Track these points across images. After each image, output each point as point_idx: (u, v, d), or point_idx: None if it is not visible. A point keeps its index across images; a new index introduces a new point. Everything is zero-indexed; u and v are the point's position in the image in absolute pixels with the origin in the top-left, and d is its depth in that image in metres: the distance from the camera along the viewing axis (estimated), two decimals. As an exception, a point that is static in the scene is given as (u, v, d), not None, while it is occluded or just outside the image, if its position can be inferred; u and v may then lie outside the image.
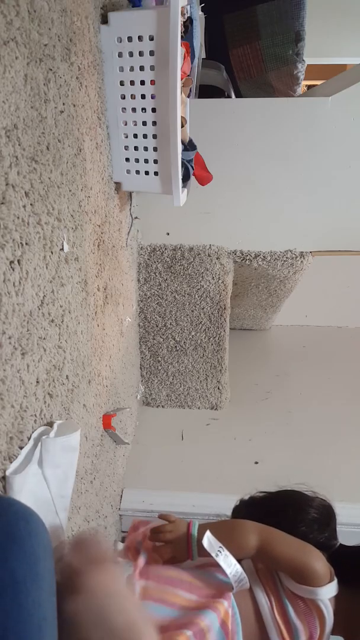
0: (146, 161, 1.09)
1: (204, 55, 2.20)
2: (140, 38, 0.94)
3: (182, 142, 1.10)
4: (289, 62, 2.06)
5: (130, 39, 0.95)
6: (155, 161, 1.08)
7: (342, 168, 1.47)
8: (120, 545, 1.38)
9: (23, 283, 0.64)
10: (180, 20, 0.89)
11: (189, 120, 1.18)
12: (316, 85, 2.05)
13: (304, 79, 2.16)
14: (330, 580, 0.70)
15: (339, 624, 0.70)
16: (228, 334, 1.74)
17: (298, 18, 1.97)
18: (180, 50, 0.93)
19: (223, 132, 1.43)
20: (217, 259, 1.59)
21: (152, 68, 0.96)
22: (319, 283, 2.07)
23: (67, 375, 0.85)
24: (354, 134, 1.42)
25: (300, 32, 2.00)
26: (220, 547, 0.69)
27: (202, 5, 2.02)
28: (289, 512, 0.83)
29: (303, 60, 2.08)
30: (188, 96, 1.15)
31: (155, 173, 1.10)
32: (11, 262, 0.61)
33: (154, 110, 1.01)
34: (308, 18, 2.00)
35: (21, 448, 0.66)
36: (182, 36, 0.94)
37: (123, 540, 1.42)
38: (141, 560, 0.72)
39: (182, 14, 0.94)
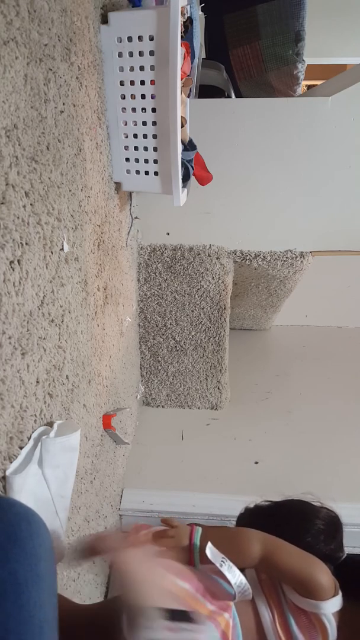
0: (146, 161, 1.09)
1: (204, 55, 2.20)
2: (140, 38, 0.94)
3: (182, 142, 1.10)
4: (289, 62, 2.06)
5: (130, 39, 0.95)
6: (155, 161, 1.08)
7: (342, 168, 1.47)
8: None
9: (23, 283, 0.64)
10: (180, 20, 0.89)
11: (189, 120, 1.18)
12: (316, 85, 2.05)
13: (304, 79, 2.16)
14: (335, 594, 0.69)
15: (344, 638, 0.68)
16: (228, 334, 1.74)
17: (298, 18, 1.97)
18: (180, 50, 0.93)
19: (223, 132, 1.43)
20: (217, 259, 1.59)
21: (152, 68, 0.96)
22: (319, 283, 2.07)
23: (67, 375, 0.85)
24: (354, 134, 1.42)
25: (300, 32, 2.00)
26: (223, 558, 0.68)
27: (202, 5, 2.02)
28: (294, 521, 0.82)
29: (303, 60, 2.08)
30: (188, 96, 1.15)
31: (155, 173, 1.10)
32: (11, 262, 0.61)
33: (154, 110, 1.01)
34: (308, 18, 2.00)
35: (21, 448, 0.66)
36: (182, 36, 0.94)
37: (123, 540, 1.42)
38: None
39: (182, 14, 0.94)
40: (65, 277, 0.82)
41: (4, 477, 0.62)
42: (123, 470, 1.49)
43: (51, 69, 0.71)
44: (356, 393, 1.92)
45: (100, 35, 0.95)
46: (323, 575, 0.68)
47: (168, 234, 1.59)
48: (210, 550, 0.68)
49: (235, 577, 0.67)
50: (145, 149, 1.07)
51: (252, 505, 0.95)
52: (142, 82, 0.98)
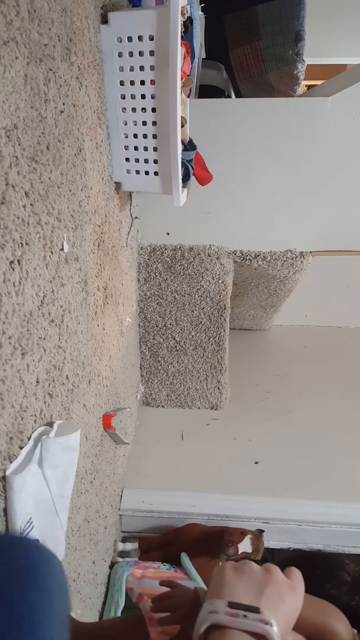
0: (146, 161, 1.09)
1: (204, 55, 2.20)
2: (140, 38, 0.94)
3: (182, 142, 1.10)
4: (289, 62, 2.06)
5: (130, 39, 0.95)
6: (155, 161, 1.08)
7: (342, 168, 1.47)
8: (120, 546, 1.39)
9: (23, 283, 0.64)
10: (180, 20, 0.89)
11: (189, 120, 1.18)
12: (316, 85, 2.05)
13: (304, 79, 2.16)
14: None
15: None
16: (228, 334, 1.74)
17: (298, 18, 1.97)
18: (180, 50, 0.93)
19: (223, 132, 1.43)
20: (217, 259, 1.59)
21: (152, 68, 0.96)
22: (319, 283, 2.07)
23: (67, 375, 0.85)
24: (354, 134, 1.42)
25: (300, 32, 2.00)
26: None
27: (202, 5, 2.02)
28: (317, 570, 0.78)
29: (303, 60, 2.07)
30: (188, 96, 1.15)
31: (155, 173, 1.10)
32: (11, 262, 0.61)
33: (154, 110, 1.01)
34: (308, 18, 2.00)
35: (21, 448, 0.66)
36: (182, 36, 0.94)
37: (123, 540, 1.42)
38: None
39: (182, 14, 0.94)
40: (65, 277, 0.82)
41: (4, 477, 0.62)
42: (123, 470, 1.49)
43: (51, 69, 0.71)
44: (356, 393, 1.92)
45: (100, 35, 0.95)
46: (340, 624, 0.64)
47: (168, 234, 1.59)
48: None
49: None
50: (145, 149, 1.07)
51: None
52: (142, 82, 0.98)
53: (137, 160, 1.10)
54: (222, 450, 1.63)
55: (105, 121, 1.04)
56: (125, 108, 1.04)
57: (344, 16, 3.09)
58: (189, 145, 1.16)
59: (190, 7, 1.14)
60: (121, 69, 0.99)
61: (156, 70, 0.96)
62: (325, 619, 0.64)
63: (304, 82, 2.32)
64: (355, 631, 0.67)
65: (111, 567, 1.31)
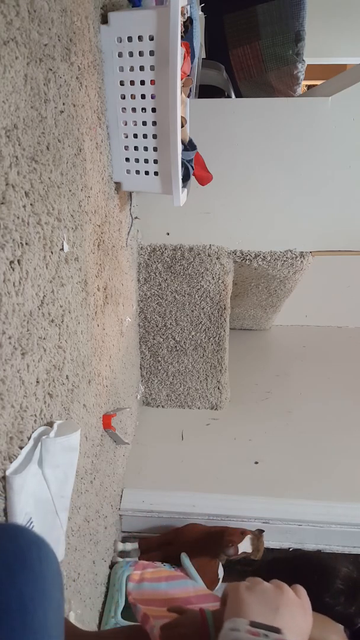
0: (146, 161, 1.09)
1: (204, 55, 2.20)
2: (140, 38, 0.94)
3: (182, 142, 1.09)
4: (289, 62, 2.06)
5: (130, 39, 0.95)
6: (155, 161, 1.08)
7: (342, 168, 1.47)
8: (120, 545, 1.39)
9: (23, 283, 0.64)
10: (180, 20, 0.89)
11: (189, 120, 1.18)
12: (316, 85, 2.04)
13: (304, 79, 2.16)
14: None
15: None
16: (228, 334, 1.74)
17: (298, 18, 1.97)
18: (180, 50, 0.93)
19: (223, 132, 1.43)
20: (217, 259, 1.59)
21: (152, 68, 0.96)
22: (319, 283, 2.07)
23: (67, 375, 0.85)
24: (354, 134, 1.42)
25: (300, 32, 2.00)
26: None
27: (202, 5, 2.02)
28: (312, 579, 0.78)
29: (303, 60, 2.07)
30: (188, 96, 1.15)
31: (155, 173, 1.10)
32: (11, 262, 0.61)
33: (154, 110, 1.01)
34: (308, 18, 2.00)
35: (21, 448, 0.66)
36: (182, 36, 0.94)
37: (123, 540, 1.42)
38: None
39: (182, 14, 0.94)
40: (65, 277, 0.82)
41: (4, 477, 0.62)
42: (123, 470, 1.49)
43: (51, 69, 0.71)
44: (356, 393, 1.92)
45: (100, 35, 0.95)
46: (336, 636, 0.67)
47: (168, 234, 1.59)
48: None
49: None
50: (145, 149, 1.07)
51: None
52: (142, 82, 0.98)
53: (137, 160, 1.10)
54: (222, 450, 1.63)
55: (105, 121, 1.04)
56: (125, 108, 1.04)
57: (344, 16, 3.09)
58: (189, 145, 1.16)
59: (190, 7, 1.14)
60: (121, 69, 0.99)
61: (156, 70, 0.96)
62: (322, 635, 0.67)
63: (304, 82, 2.32)
64: None
65: (111, 567, 1.31)
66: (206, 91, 1.95)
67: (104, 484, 1.22)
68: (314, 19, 2.15)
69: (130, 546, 1.39)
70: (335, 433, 1.71)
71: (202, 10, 2.04)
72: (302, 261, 1.63)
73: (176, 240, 1.60)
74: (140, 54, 0.96)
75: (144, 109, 1.02)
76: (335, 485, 1.48)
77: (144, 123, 1.04)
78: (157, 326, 1.71)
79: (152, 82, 0.97)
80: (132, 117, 1.04)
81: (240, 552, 1.23)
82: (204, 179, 1.30)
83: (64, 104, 0.77)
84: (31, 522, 0.68)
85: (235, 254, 1.62)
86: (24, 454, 0.66)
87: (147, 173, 1.11)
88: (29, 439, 0.69)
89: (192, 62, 1.24)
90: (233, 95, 2.14)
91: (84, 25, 0.85)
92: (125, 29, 0.94)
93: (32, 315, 0.68)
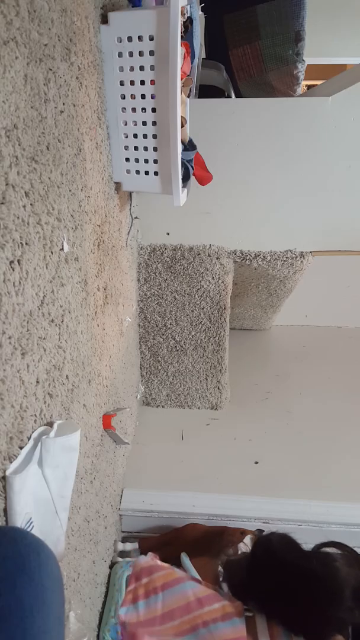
0: (146, 161, 1.09)
1: (204, 55, 2.20)
2: (140, 38, 0.94)
3: (182, 142, 1.10)
4: (289, 62, 2.06)
5: (130, 39, 0.95)
6: (155, 161, 1.08)
7: (342, 168, 1.47)
8: (120, 545, 1.39)
9: (23, 283, 0.64)
10: (180, 20, 0.89)
11: (189, 120, 1.18)
12: (316, 85, 2.05)
13: (304, 79, 2.16)
14: None
15: None
16: (228, 334, 1.74)
17: (298, 18, 1.97)
18: (180, 50, 0.93)
19: (223, 132, 1.43)
20: (217, 259, 1.59)
21: (152, 68, 0.96)
22: (319, 283, 2.07)
23: (67, 375, 0.85)
24: (354, 134, 1.42)
25: (300, 32, 2.00)
26: None
27: (202, 5, 2.02)
28: (320, 596, 0.76)
29: (303, 60, 2.07)
30: (188, 96, 1.15)
31: (155, 173, 1.10)
32: (11, 262, 0.61)
33: (154, 110, 1.01)
34: (308, 18, 2.00)
35: (21, 448, 0.66)
36: (182, 36, 0.94)
37: (123, 540, 1.42)
38: None
39: (182, 14, 0.94)
40: (65, 277, 0.82)
41: (4, 477, 0.62)
42: (123, 470, 1.49)
43: (51, 69, 0.71)
44: (356, 393, 1.92)
45: (100, 35, 0.95)
46: None
47: (168, 234, 1.59)
48: None
49: None
50: (145, 149, 1.07)
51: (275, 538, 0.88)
52: (142, 82, 0.98)
53: (137, 160, 1.10)
54: (222, 450, 1.63)
55: (105, 121, 1.04)
56: (125, 108, 1.04)
57: (344, 16, 3.09)
58: (189, 145, 1.16)
59: (190, 7, 1.14)
60: (121, 69, 0.99)
61: (156, 70, 0.96)
62: None
63: (304, 82, 2.32)
64: None
65: (111, 567, 1.31)
66: (206, 91, 1.96)
67: (104, 484, 1.22)
68: (314, 19, 2.15)
69: (130, 546, 1.39)
70: (335, 433, 1.71)
71: (202, 10, 2.04)
72: (302, 261, 1.63)
73: (176, 240, 1.60)
74: (140, 54, 0.96)
75: (144, 109, 1.02)
76: (335, 485, 1.48)
77: (144, 123, 1.04)
78: (157, 326, 1.71)
79: (152, 82, 0.97)
80: (132, 117, 1.04)
81: (240, 552, 1.23)
82: (204, 179, 1.30)
83: (64, 104, 0.77)
84: (31, 522, 0.68)
85: (235, 254, 1.62)
86: (24, 454, 0.66)
87: (147, 173, 1.11)
88: (29, 439, 0.69)
89: (192, 62, 1.24)
90: (233, 95, 2.14)
91: (84, 25, 0.85)
92: (125, 29, 0.94)
93: (32, 315, 0.68)
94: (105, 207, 1.09)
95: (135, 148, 1.08)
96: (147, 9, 0.97)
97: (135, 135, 1.06)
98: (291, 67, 2.07)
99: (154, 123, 1.03)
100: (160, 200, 1.51)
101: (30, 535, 0.42)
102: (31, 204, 0.66)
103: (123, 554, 1.38)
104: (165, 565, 1.24)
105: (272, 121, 1.42)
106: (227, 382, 1.82)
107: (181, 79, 0.96)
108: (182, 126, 1.07)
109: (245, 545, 1.24)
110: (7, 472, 0.62)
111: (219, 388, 1.81)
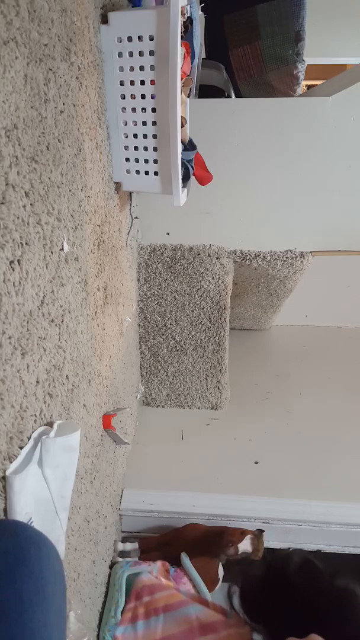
0: (146, 161, 1.09)
1: (204, 55, 2.20)
2: (140, 38, 0.94)
3: (182, 142, 1.09)
4: (289, 62, 2.06)
5: (130, 39, 0.95)
6: (155, 161, 1.08)
7: (342, 168, 1.47)
8: (120, 545, 1.39)
9: (23, 283, 0.64)
10: (180, 20, 0.89)
11: (189, 120, 1.18)
12: (316, 85, 2.05)
13: (304, 79, 2.16)
14: None
15: None
16: (228, 334, 1.74)
17: (298, 18, 1.97)
18: (180, 50, 0.93)
19: (223, 132, 1.43)
20: (217, 259, 1.59)
21: (152, 68, 0.96)
22: (319, 283, 2.07)
23: (67, 375, 0.85)
24: (354, 134, 1.42)
25: (300, 32, 2.00)
26: None
27: (202, 5, 2.02)
28: (334, 613, 0.75)
29: (303, 60, 2.08)
30: (188, 96, 1.15)
31: (155, 173, 1.10)
32: (11, 262, 0.61)
33: (154, 110, 1.01)
34: (308, 18, 2.00)
35: (21, 448, 0.66)
36: (182, 36, 0.94)
37: (123, 540, 1.42)
38: None
39: (182, 14, 0.94)
40: (65, 277, 0.82)
41: (4, 477, 0.62)
42: (123, 470, 1.49)
43: (51, 69, 0.71)
44: (356, 393, 1.92)
45: (100, 35, 0.95)
46: None
47: (168, 234, 1.59)
48: None
49: None
50: (145, 149, 1.07)
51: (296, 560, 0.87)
52: (142, 82, 0.98)
53: (137, 160, 1.10)
54: (222, 450, 1.63)
55: (105, 121, 1.04)
56: (125, 108, 1.04)
57: (344, 16, 3.09)
58: (189, 145, 1.16)
59: (190, 7, 1.14)
60: (121, 69, 0.99)
61: (156, 70, 0.96)
62: None
63: (304, 82, 2.32)
64: None
65: (111, 567, 1.31)
66: (206, 91, 1.96)
67: (104, 484, 1.22)
68: (314, 19, 2.15)
69: (130, 546, 1.39)
70: (335, 433, 1.71)
71: (202, 10, 2.04)
72: (302, 261, 1.63)
73: (176, 240, 1.60)
74: (140, 54, 0.96)
75: (144, 109, 1.02)
76: (335, 485, 1.48)
77: (144, 123, 1.04)
78: (157, 326, 1.71)
79: (152, 82, 0.97)
80: (132, 117, 1.04)
81: (240, 552, 1.23)
82: (204, 179, 1.30)
83: (64, 104, 0.77)
84: (31, 522, 0.68)
85: (235, 254, 1.62)
86: (24, 454, 0.66)
87: (147, 173, 1.11)
88: (29, 439, 0.69)
89: (192, 62, 1.24)
90: (233, 95, 2.14)
91: (84, 25, 0.85)
92: (125, 29, 0.94)
93: (32, 315, 0.68)
94: (105, 207, 1.09)
95: (135, 148, 1.08)
96: (147, 9, 0.97)
97: (135, 135, 1.06)
98: (291, 67, 2.07)
99: (154, 123, 1.03)
100: (160, 200, 1.51)
101: (31, 528, 0.42)
102: (31, 204, 0.66)
103: (123, 554, 1.38)
104: (170, 584, 1.19)
105: (272, 121, 1.41)
106: (227, 382, 1.82)
107: (181, 79, 0.96)
108: (182, 126, 1.07)
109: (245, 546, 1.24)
110: (7, 472, 0.63)
111: (219, 388, 1.81)
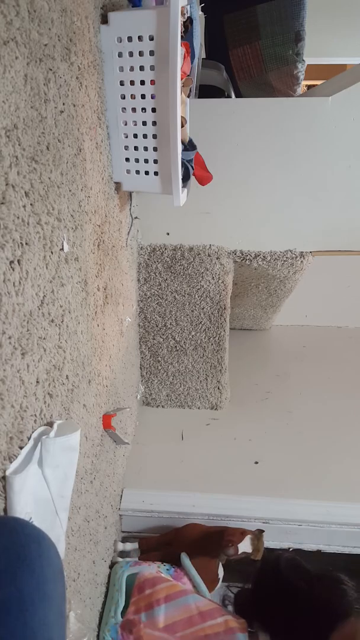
0: (146, 161, 1.09)
1: (204, 55, 2.20)
2: (140, 38, 0.94)
3: (182, 142, 1.09)
4: (289, 62, 2.06)
5: (130, 39, 0.95)
6: (155, 161, 1.08)
7: (342, 168, 1.47)
8: (120, 545, 1.39)
9: (23, 283, 0.64)
10: (180, 20, 0.89)
11: (189, 120, 1.18)
12: (316, 85, 2.04)
13: (304, 79, 2.16)
14: None
15: None
16: (228, 334, 1.74)
17: (298, 18, 1.97)
18: (180, 50, 0.93)
19: (223, 132, 1.43)
20: (217, 259, 1.59)
21: (152, 68, 0.96)
22: (319, 283, 2.07)
23: (67, 375, 0.85)
24: (354, 134, 1.42)
25: (301, 32, 2.00)
26: None
27: (202, 5, 2.02)
28: (324, 617, 0.76)
29: (303, 60, 2.08)
30: (188, 96, 1.15)
31: (155, 173, 1.10)
32: (11, 262, 0.61)
33: (154, 110, 1.01)
34: (308, 18, 2.00)
35: (21, 448, 0.66)
36: (182, 36, 0.94)
37: (123, 540, 1.42)
38: None
39: (182, 14, 0.94)
40: (65, 277, 0.82)
41: (4, 477, 0.62)
42: (123, 470, 1.49)
43: (51, 69, 0.71)
44: (356, 393, 1.92)
45: (100, 35, 0.95)
46: None
47: (168, 234, 1.59)
48: None
49: None
50: (145, 149, 1.07)
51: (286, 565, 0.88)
52: (142, 82, 0.98)
53: (137, 160, 1.10)
54: (222, 450, 1.63)
55: (105, 121, 1.04)
56: (125, 108, 1.04)
57: (344, 16, 3.09)
58: (189, 145, 1.16)
59: (190, 7, 1.14)
60: (121, 69, 0.99)
61: (156, 70, 0.96)
62: None
63: (304, 82, 2.32)
64: None
65: (111, 567, 1.31)
66: (206, 91, 1.96)
67: (104, 484, 1.22)
68: (314, 19, 2.15)
69: (130, 546, 1.39)
70: (335, 433, 1.71)
71: (202, 10, 2.04)
72: (302, 261, 1.63)
73: (176, 240, 1.60)
74: (140, 54, 0.96)
75: (144, 109, 1.02)
76: (335, 485, 1.48)
77: (144, 123, 1.04)
78: (157, 326, 1.71)
79: (152, 82, 0.97)
80: (132, 117, 1.04)
81: (240, 552, 1.23)
82: (204, 179, 1.30)
83: (64, 104, 0.77)
84: (31, 522, 0.68)
85: (235, 254, 1.62)
86: (24, 454, 0.66)
87: (147, 173, 1.11)
88: (29, 439, 0.69)
89: (192, 62, 1.24)
90: (233, 95, 2.14)
91: (84, 25, 0.85)
92: (125, 29, 0.94)
93: (32, 315, 0.68)
94: (105, 207, 1.09)
95: (135, 148, 1.08)
96: (147, 9, 0.97)
97: (135, 135, 1.06)
98: (291, 67, 2.07)
99: (154, 123, 1.03)
100: (160, 200, 1.51)
101: (31, 526, 0.42)
102: (31, 204, 0.66)
103: (123, 554, 1.38)
104: (169, 577, 1.23)
105: (272, 121, 1.41)
106: (227, 382, 1.82)
107: (181, 79, 0.96)
108: (182, 126, 1.07)
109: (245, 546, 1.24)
110: (7, 472, 0.63)
111: (219, 388, 1.81)
